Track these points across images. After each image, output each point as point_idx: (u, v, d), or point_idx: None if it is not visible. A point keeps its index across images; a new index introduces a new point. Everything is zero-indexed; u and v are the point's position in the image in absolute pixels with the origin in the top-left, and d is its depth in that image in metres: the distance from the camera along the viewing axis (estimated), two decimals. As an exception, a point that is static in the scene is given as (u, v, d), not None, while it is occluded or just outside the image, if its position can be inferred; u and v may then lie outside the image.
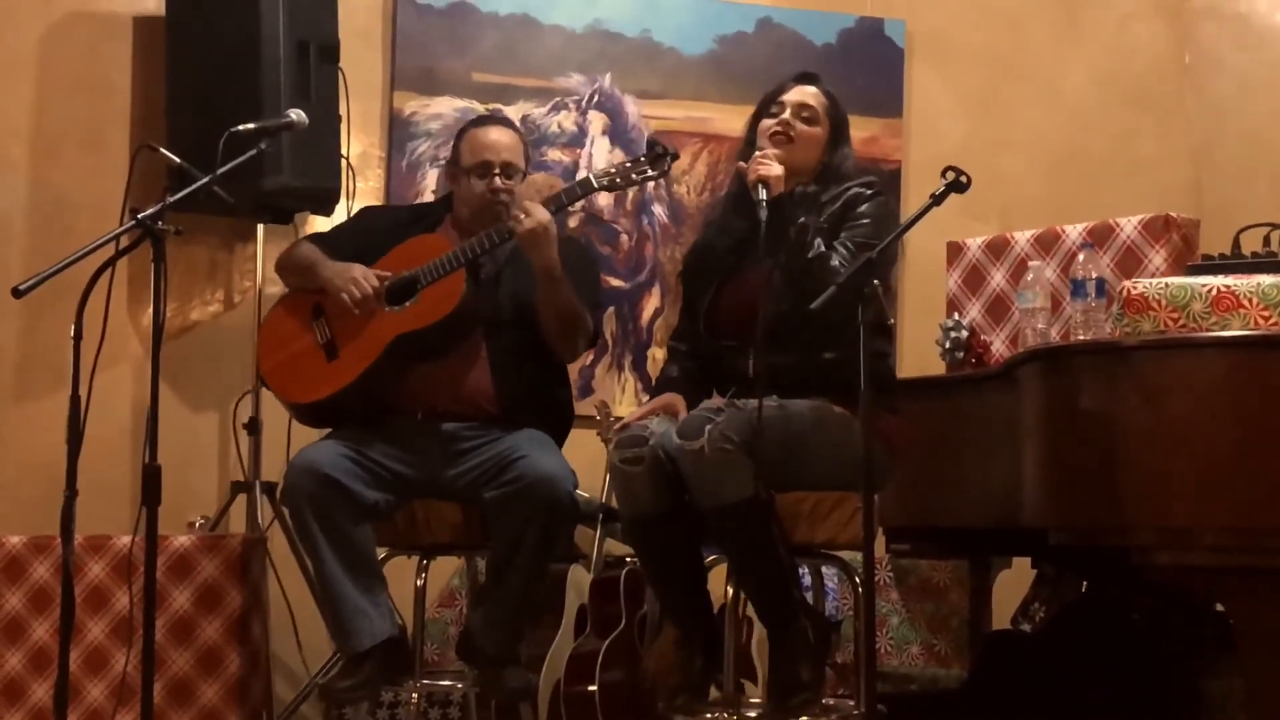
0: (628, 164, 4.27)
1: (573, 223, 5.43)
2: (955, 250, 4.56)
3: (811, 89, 4.02)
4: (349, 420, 4.18)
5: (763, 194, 3.74)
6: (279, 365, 4.27)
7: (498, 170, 4.24)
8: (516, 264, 4.21)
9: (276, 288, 4.49)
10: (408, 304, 4.15)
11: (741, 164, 3.92)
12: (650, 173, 4.25)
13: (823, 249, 3.71)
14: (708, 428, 3.61)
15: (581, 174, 5.45)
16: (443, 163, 4.86)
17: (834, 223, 3.83)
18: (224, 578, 4.31)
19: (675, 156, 4.28)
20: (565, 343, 4.22)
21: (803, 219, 3.73)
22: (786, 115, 3.96)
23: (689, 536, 3.82)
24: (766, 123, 3.97)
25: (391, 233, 4.30)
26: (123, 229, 3.47)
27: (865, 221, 3.81)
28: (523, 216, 4.07)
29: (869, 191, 3.88)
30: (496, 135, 4.32)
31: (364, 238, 4.33)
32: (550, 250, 4.10)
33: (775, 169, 3.79)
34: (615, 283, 5.52)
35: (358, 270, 4.17)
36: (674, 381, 4.05)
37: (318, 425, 4.26)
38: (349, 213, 4.94)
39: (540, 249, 4.10)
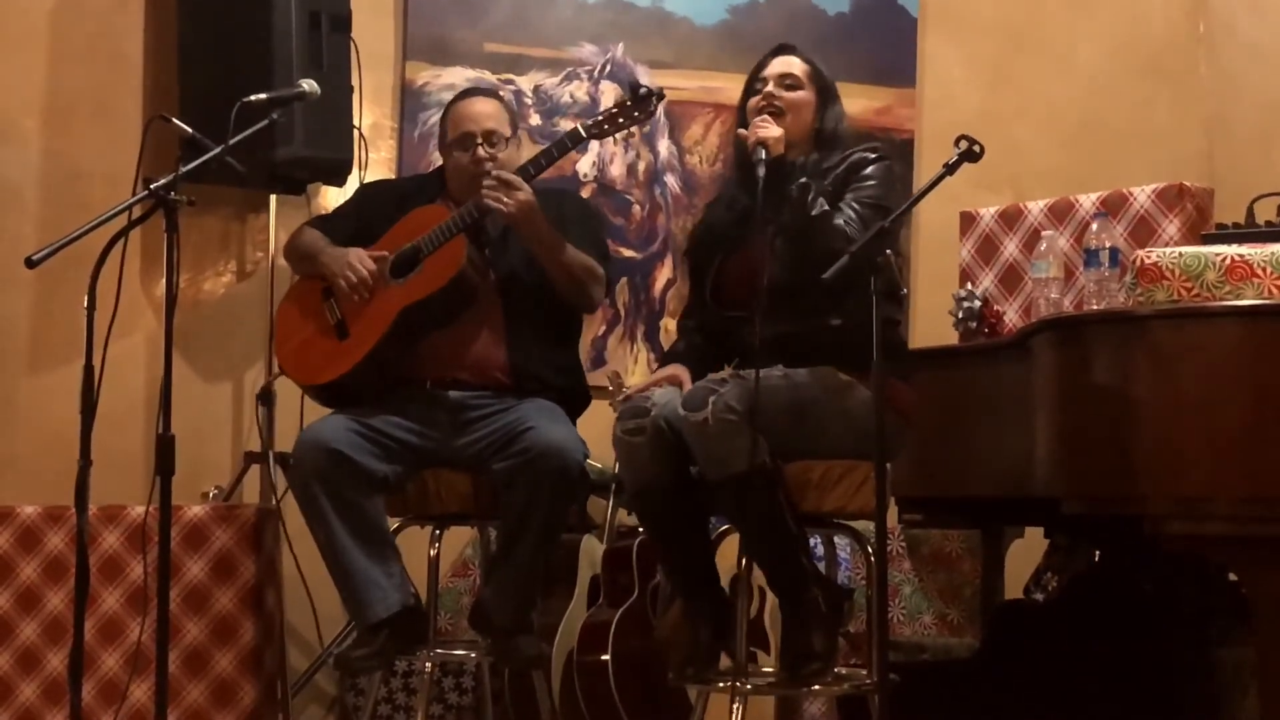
0: (614, 109, 4.24)
1: (585, 194, 5.42)
2: (968, 220, 4.55)
3: (791, 58, 4.04)
4: (366, 398, 4.18)
5: (761, 154, 3.75)
6: (293, 350, 4.29)
7: (480, 140, 4.25)
8: None
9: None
10: (411, 275, 4.15)
11: (741, 131, 3.92)
12: (637, 115, 4.24)
13: (825, 208, 3.71)
14: (711, 399, 3.62)
15: (594, 147, 5.45)
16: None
17: (838, 187, 3.83)
18: (238, 548, 4.32)
19: (661, 96, 4.25)
20: (580, 296, 4.24)
21: (804, 179, 3.73)
22: (770, 88, 3.97)
23: (693, 506, 3.83)
24: (753, 101, 3.99)
25: (393, 207, 4.31)
26: (135, 199, 3.47)
27: (871, 183, 3.82)
28: (502, 196, 4.06)
29: (873, 155, 3.89)
30: (479, 106, 4.33)
31: (366, 215, 4.35)
32: (537, 224, 4.11)
33: (774, 130, 3.80)
34: (627, 253, 5.51)
35: (354, 254, 4.19)
36: (680, 355, 4.06)
37: (336, 405, 4.25)
38: (361, 183, 4.95)
39: (525, 226, 4.10)
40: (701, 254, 4.09)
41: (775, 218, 3.74)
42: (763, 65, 4.05)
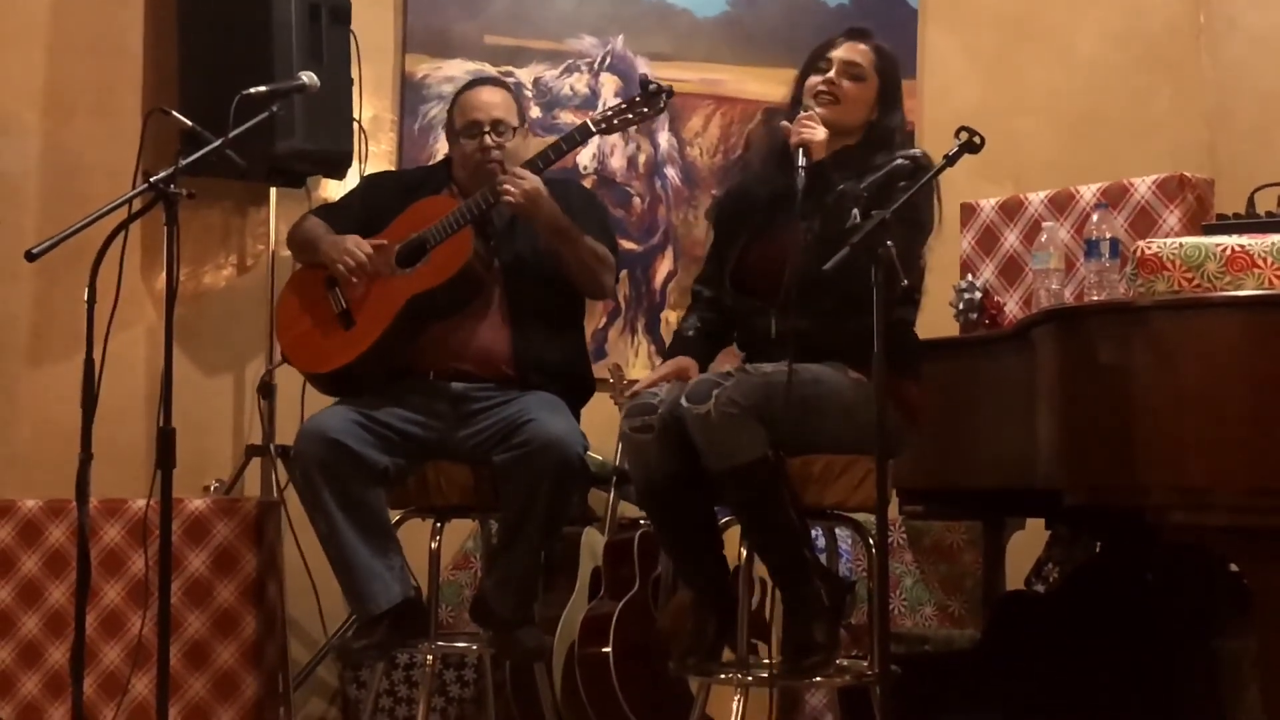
0: (624, 105, 4.23)
1: (585, 185, 5.41)
2: (969, 211, 4.55)
3: (862, 45, 3.92)
4: (369, 387, 4.18)
5: (802, 160, 3.69)
6: (297, 338, 4.28)
7: (487, 129, 4.24)
8: None
9: (289, 252, 4.50)
10: (419, 265, 4.15)
11: (785, 124, 3.83)
12: (646, 111, 4.22)
13: (859, 220, 3.66)
14: (715, 392, 3.60)
15: (595, 139, 5.44)
16: (454, 126, 4.86)
17: (875, 192, 3.77)
18: (239, 541, 4.32)
19: (670, 93, 4.23)
20: (594, 283, 4.24)
21: (842, 186, 3.64)
22: (832, 74, 3.87)
23: (702, 500, 3.82)
24: (813, 80, 3.88)
25: (398, 198, 4.31)
26: (135, 192, 3.47)
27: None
28: (511, 188, 4.06)
29: (912, 165, 3.77)
30: (486, 95, 4.32)
31: (371, 205, 4.35)
32: (547, 212, 4.10)
33: (819, 134, 3.74)
34: (628, 245, 5.50)
35: (350, 240, 4.19)
36: (688, 341, 4.03)
37: (340, 394, 4.25)
38: (361, 175, 4.94)
39: (536, 215, 4.10)
40: (728, 226, 4.02)
41: (808, 221, 3.69)
42: (832, 44, 3.92)
